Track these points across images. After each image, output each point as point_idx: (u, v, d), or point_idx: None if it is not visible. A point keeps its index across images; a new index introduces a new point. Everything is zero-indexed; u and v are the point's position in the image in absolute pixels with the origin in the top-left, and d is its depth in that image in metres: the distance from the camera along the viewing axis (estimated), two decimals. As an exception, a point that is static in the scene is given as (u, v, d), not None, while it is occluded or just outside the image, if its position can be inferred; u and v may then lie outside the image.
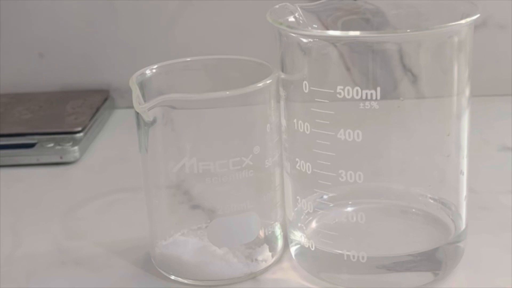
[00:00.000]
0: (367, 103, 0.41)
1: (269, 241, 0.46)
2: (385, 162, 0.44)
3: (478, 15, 0.41)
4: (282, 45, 0.44)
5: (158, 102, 0.42)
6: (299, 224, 0.46)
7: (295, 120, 0.44)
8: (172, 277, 0.46)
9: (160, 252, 0.46)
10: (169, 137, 0.45)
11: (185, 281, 0.46)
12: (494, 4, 0.69)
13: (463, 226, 0.45)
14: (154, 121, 0.44)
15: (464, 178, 0.45)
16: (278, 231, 0.47)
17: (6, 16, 0.73)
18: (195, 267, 0.45)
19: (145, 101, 0.43)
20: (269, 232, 0.46)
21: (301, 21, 0.45)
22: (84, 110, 0.70)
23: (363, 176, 0.42)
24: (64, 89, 0.75)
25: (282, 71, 0.44)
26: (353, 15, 0.47)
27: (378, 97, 0.41)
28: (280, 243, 0.47)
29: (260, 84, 0.44)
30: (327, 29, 0.46)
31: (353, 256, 0.43)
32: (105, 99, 0.73)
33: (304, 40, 0.42)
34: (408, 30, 0.41)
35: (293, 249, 0.46)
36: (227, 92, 0.43)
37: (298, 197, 0.45)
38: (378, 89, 0.41)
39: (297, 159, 0.44)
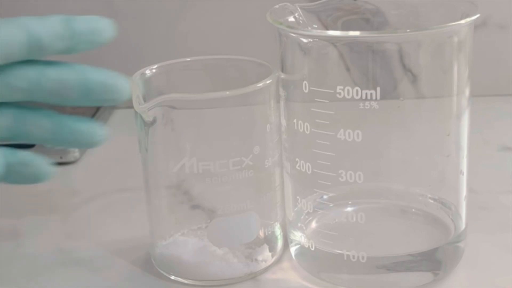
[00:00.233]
0: (367, 103, 0.41)
1: (269, 241, 0.46)
2: (385, 162, 0.44)
3: (478, 15, 0.41)
4: (282, 45, 0.44)
5: (158, 102, 0.42)
6: (299, 224, 0.46)
7: (295, 120, 0.44)
8: (172, 277, 0.46)
9: (160, 252, 0.46)
10: (169, 137, 0.45)
11: (185, 281, 0.46)
12: (494, 4, 0.69)
13: (463, 226, 0.45)
14: (154, 121, 0.44)
15: (464, 178, 0.45)
16: (278, 231, 0.47)
17: (6, 16, 0.73)
18: (195, 267, 0.45)
19: (145, 101, 0.43)
20: (269, 232, 0.46)
21: (301, 21, 0.45)
22: (84, 110, 0.69)
23: (363, 176, 0.42)
24: (64, 89, 0.75)
25: (282, 71, 0.45)
26: (353, 15, 0.47)
27: (378, 97, 0.41)
28: (280, 243, 0.47)
29: (260, 84, 0.44)
30: (327, 29, 0.46)
31: (353, 256, 0.43)
32: (105, 99, 0.73)
33: (304, 40, 0.42)
34: (408, 30, 0.41)
35: (293, 249, 0.46)
36: (227, 92, 0.43)
37: (298, 197, 0.45)
38: (378, 89, 0.41)
39: (297, 159, 0.44)
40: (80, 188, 0.59)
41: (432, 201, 0.46)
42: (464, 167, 0.45)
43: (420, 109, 0.43)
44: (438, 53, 0.42)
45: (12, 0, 0.73)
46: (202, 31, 0.73)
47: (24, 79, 0.41)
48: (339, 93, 0.41)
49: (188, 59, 0.48)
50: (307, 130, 0.43)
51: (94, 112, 0.69)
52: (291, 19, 0.45)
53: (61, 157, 0.63)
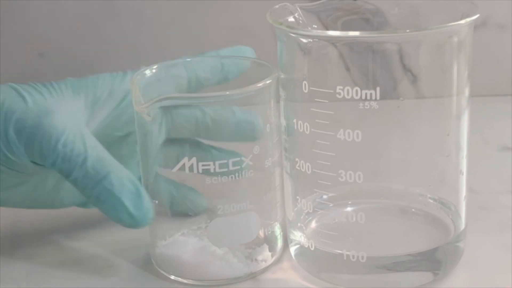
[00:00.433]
0: (366, 103, 0.41)
1: (269, 241, 0.46)
2: (385, 162, 0.44)
3: (478, 15, 0.41)
4: (282, 45, 0.44)
5: (158, 102, 0.42)
6: (299, 224, 0.46)
7: (294, 120, 0.44)
8: (172, 277, 0.46)
9: (160, 252, 0.46)
10: (169, 136, 0.45)
11: (185, 281, 0.46)
12: (494, 4, 0.69)
13: (463, 226, 0.45)
14: (153, 121, 0.44)
15: (464, 178, 0.45)
16: (277, 231, 0.47)
17: (6, 16, 0.73)
18: (195, 267, 0.45)
19: (144, 101, 0.43)
20: (269, 232, 0.46)
21: (301, 21, 0.45)
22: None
23: (362, 176, 0.42)
24: (64, 89, 0.75)
25: (282, 71, 0.44)
26: (353, 15, 0.47)
27: (378, 97, 0.41)
28: (280, 243, 0.47)
29: (260, 84, 0.44)
30: (327, 29, 0.46)
31: (353, 256, 0.43)
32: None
33: (304, 40, 0.42)
34: (408, 30, 0.41)
35: (293, 249, 0.46)
36: (227, 92, 0.43)
37: (298, 197, 0.45)
38: (378, 89, 0.41)
39: (296, 159, 0.44)
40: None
41: (432, 201, 0.46)
42: (464, 167, 0.45)
43: (420, 109, 0.43)
44: (438, 53, 0.42)
45: (12, 0, 0.73)
46: (202, 31, 0.73)
47: (192, 118, 0.46)
48: (339, 93, 0.41)
49: (188, 59, 0.48)
50: (307, 130, 0.43)
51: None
52: (291, 19, 0.45)
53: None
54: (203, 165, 0.43)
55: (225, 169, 0.44)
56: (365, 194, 0.46)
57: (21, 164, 0.45)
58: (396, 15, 0.47)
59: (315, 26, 0.46)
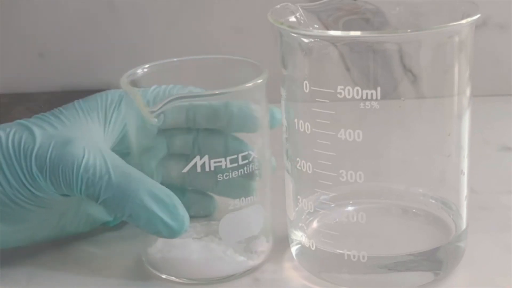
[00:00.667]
0: (367, 103, 0.41)
1: (266, 232, 0.46)
2: (386, 162, 0.44)
3: (478, 15, 0.41)
4: (283, 45, 0.44)
5: (167, 104, 0.42)
6: (300, 224, 0.46)
7: (295, 120, 0.44)
8: (172, 277, 0.46)
9: (160, 251, 0.46)
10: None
11: (185, 280, 0.46)
12: (494, 4, 0.69)
13: (464, 226, 0.45)
14: (159, 123, 0.43)
15: (464, 178, 0.45)
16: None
17: (6, 16, 0.73)
18: (195, 266, 0.45)
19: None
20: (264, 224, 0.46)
21: (302, 21, 0.45)
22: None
23: (363, 176, 0.42)
24: (64, 89, 0.75)
25: (283, 71, 0.44)
26: (353, 15, 0.47)
27: (379, 97, 0.41)
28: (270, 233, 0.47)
29: (250, 84, 0.44)
30: (328, 29, 0.46)
31: (354, 256, 0.43)
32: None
33: (305, 40, 0.42)
34: (409, 30, 0.41)
35: (294, 249, 0.46)
36: (217, 92, 0.43)
37: (299, 196, 0.45)
38: (379, 89, 0.41)
39: (297, 159, 0.44)
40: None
41: (433, 201, 0.46)
42: (465, 167, 0.45)
43: (420, 109, 0.43)
44: (439, 53, 0.42)
45: (12, 0, 0.73)
46: (202, 31, 0.73)
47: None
48: (340, 93, 0.41)
49: (183, 59, 0.48)
50: (307, 130, 0.43)
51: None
52: (292, 19, 0.45)
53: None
54: (215, 162, 0.43)
55: (235, 164, 0.44)
56: (366, 194, 0.46)
57: (50, 199, 0.44)
58: (396, 15, 0.47)
59: (316, 26, 0.46)
